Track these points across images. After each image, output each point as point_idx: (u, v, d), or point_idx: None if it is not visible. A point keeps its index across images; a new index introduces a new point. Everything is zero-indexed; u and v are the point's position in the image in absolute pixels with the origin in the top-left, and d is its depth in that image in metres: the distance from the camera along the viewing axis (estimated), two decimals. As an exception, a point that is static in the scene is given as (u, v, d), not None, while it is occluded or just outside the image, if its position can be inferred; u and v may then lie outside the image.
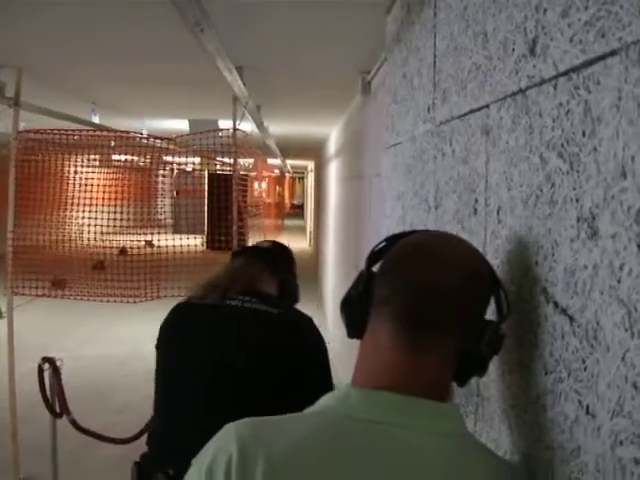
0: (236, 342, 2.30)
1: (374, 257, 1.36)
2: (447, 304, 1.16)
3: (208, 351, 2.32)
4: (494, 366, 1.49)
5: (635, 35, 0.89)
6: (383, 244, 1.38)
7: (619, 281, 0.92)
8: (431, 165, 2.16)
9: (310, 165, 26.16)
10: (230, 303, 2.39)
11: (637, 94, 0.88)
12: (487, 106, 1.58)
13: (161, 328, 2.49)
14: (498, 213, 1.48)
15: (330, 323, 9.56)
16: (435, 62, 2.16)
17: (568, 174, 1.10)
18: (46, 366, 4.89)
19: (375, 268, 1.32)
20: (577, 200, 1.06)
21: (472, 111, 1.71)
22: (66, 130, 6.31)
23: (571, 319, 1.08)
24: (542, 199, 1.21)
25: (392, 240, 1.36)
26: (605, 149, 0.97)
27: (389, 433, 1.07)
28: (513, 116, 1.39)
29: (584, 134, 1.04)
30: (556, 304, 1.15)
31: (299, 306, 2.61)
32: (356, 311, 1.28)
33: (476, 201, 1.65)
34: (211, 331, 2.36)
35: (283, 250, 2.86)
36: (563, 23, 1.14)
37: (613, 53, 0.95)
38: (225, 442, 1.09)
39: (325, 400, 1.17)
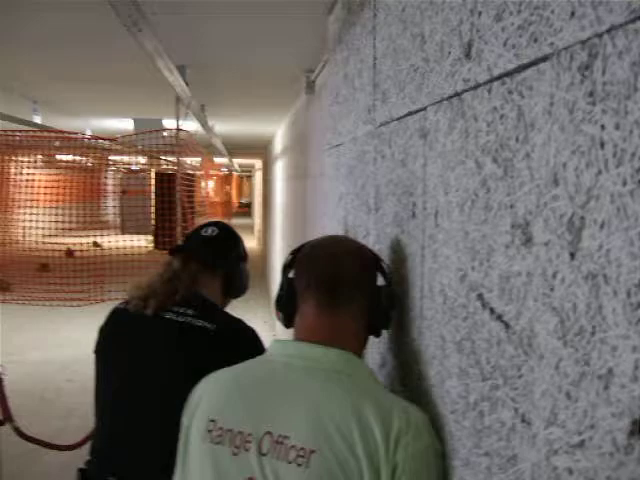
0: (168, 358, 2.23)
1: (287, 267, 1.79)
2: (349, 278, 1.64)
3: (141, 364, 2.26)
4: (434, 372, 1.48)
5: (566, 41, 0.89)
6: (291, 257, 1.80)
7: (552, 289, 0.91)
8: (371, 167, 2.14)
9: (257, 163, 26.09)
10: (165, 316, 2.29)
11: (568, 100, 0.88)
12: (424, 109, 1.57)
13: (99, 332, 2.44)
14: (436, 217, 1.47)
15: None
16: (375, 63, 2.15)
17: (502, 179, 1.09)
18: (-12, 373, 4.79)
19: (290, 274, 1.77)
20: (511, 206, 1.05)
21: (410, 113, 1.70)
22: (6, 131, 6.19)
23: (507, 326, 1.07)
24: (477, 204, 1.21)
25: (296, 252, 1.79)
26: (538, 155, 0.96)
27: (285, 364, 1.54)
28: (449, 119, 1.38)
29: (517, 139, 1.03)
30: (492, 310, 1.14)
31: (248, 298, 2.55)
32: (287, 304, 1.72)
33: (414, 205, 1.64)
34: (144, 344, 2.29)
35: (226, 236, 2.66)
36: (497, 27, 1.13)
37: (545, 58, 0.95)
38: None
39: None
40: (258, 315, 10.70)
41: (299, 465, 1.37)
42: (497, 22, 1.13)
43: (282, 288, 1.77)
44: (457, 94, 1.33)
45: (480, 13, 1.21)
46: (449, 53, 1.39)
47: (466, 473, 1.28)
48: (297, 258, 1.76)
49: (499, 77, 1.12)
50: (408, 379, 1.72)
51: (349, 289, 1.63)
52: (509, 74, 1.08)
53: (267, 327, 9.47)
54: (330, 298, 1.61)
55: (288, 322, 1.74)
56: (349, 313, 1.62)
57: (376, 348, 2.04)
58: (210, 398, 1.57)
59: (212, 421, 1.50)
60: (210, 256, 2.55)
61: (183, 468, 1.57)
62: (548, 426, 0.93)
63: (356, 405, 1.41)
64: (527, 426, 1.00)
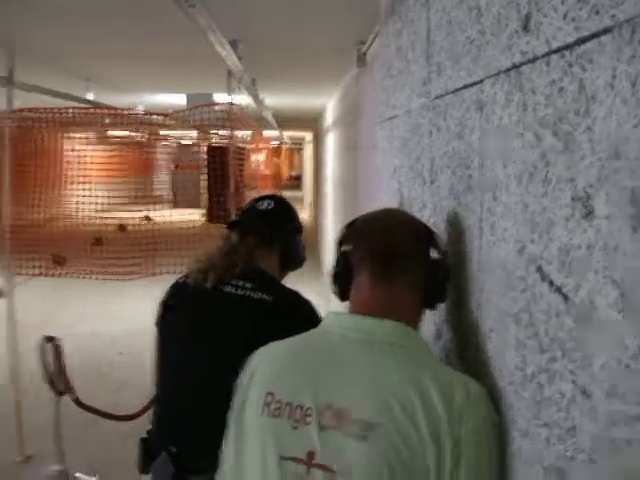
0: (228, 330, 2.26)
1: (341, 240, 1.78)
2: (403, 250, 1.64)
3: (203, 336, 2.30)
4: (492, 344, 1.49)
5: (628, 13, 0.88)
6: (345, 230, 1.80)
7: (613, 262, 0.92)
8: (426, 140, 2.14)
9: (308, 136, 26.05)
10: (224, 289, 2.33)
11: (630, 73, 0.87)
12: (481, 81, 1.56)
13: (160, 305, 2.48)
14: (493, 190, 1.47)
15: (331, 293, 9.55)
16: (429, 35, 2.14)
17: (562, 153, 1.09)
18: (47, 345, 4.89)
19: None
20: (572, 179, 1.05)
21: (466, 86, 1.69)
22: (59, 109, 6.26)
23: (566, 298, 1.08)
24: (536, 177, 1.21)
25: (350, 225, 1.80)
26: (599, 128, 0.96)
27: (341, 336, 1.56)
28: (507, 92, 1.38)
29: (578, 113, 1.03)
30: (551, 283, 1.14)
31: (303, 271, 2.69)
32: (341, 278, 1.73)
33: (470, 177, 1.64)
34: (206, 317, 2.33)
35: (282, 209, 2.68)
36: (556, 0, 1.12)
37: (606, 31, 0.94)
38: None
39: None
40: (313, 288, 10.71)
41: (361, 438, 1.37)
42: (556, -6, 1.12)
43: (337, 261, 1.78)
44: (515, 67, 1.33)
45: (538, -15, 1.21)
46: (506, 26, 1.38)
47: (524, 443, 1.29)
48: (351, 231, 1.77)
49: (558, 50, 1.11)
50: (466, 351, 1.73)
51: (402, 261, 1.63)
52: (568, 47, 1.07)
53: (322, 300, 9.49)
54: (384, 270, 1.61)
55: (343, 295, 1.74)
56: (404, 284, 1.62)
57: (431, 320, 2.05)
58: (264, 370, 1.60)
59: (269, 394, 1.52)
60: (267, 229, 2.57)
61: (237, 439, 1.59)
62: (607, 398, 0.94)
63: (414, 378, 1.42)
64: (587, 398, 1.01)
